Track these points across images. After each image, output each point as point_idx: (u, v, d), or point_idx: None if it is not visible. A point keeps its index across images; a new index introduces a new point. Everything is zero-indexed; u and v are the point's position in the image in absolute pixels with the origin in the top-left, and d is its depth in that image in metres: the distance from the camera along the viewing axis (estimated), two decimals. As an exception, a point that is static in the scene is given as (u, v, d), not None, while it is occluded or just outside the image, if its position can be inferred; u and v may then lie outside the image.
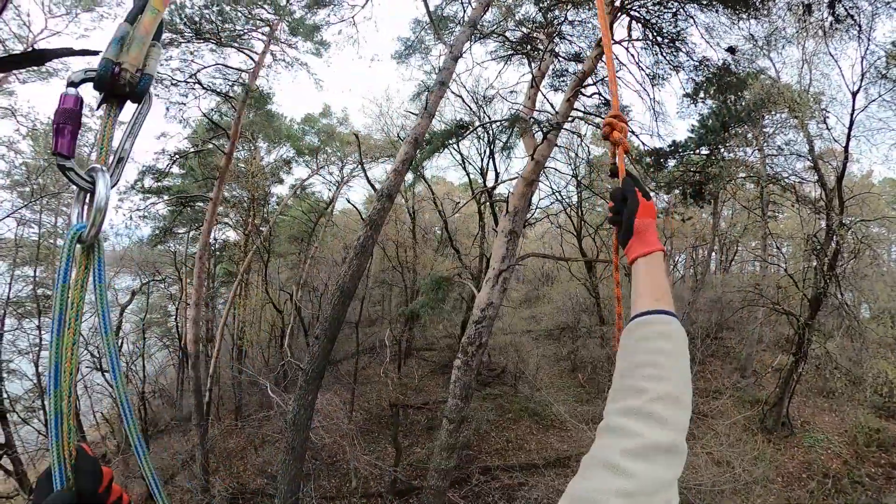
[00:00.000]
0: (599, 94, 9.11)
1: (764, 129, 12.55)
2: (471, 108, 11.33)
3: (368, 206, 16.57)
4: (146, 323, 16.89)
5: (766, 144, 12.79)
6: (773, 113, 11.29)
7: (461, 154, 13.85)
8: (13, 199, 13.29)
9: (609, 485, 0.54)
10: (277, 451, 10.45)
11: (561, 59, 9.08)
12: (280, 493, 6.27)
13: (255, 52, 11.14)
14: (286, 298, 17.96)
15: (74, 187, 0.55)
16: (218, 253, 18.20)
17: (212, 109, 12.07)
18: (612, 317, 15.17)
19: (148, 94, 0.60)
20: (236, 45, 10.49)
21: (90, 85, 0.56)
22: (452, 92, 11.04)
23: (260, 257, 16.20)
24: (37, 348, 12.02)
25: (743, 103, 7.66)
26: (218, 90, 10.92)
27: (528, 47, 8.89)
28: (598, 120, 9.98)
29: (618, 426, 0.61)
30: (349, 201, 17.44)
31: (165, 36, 9.62)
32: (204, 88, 10.48)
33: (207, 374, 11.94)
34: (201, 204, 15.28)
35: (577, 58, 8.84)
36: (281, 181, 18.22)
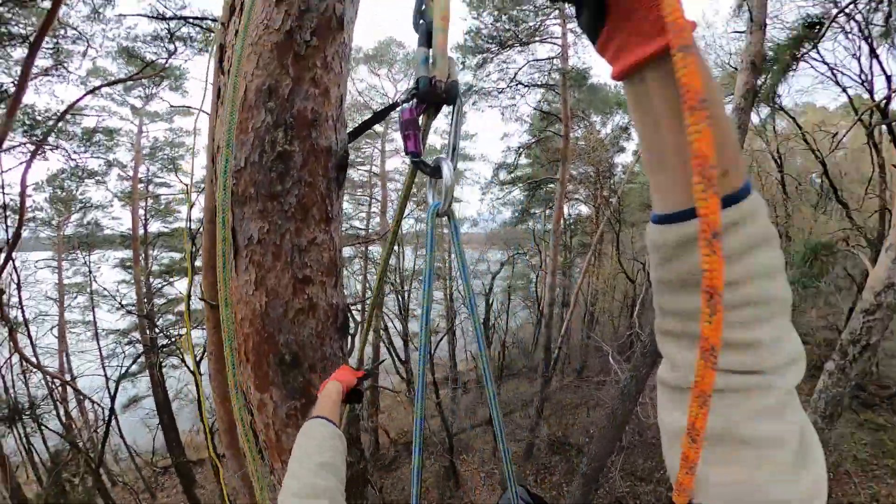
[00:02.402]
0: None
1: None
2: (819, -4, 8.24)
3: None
4: (511, 287, 20.42)
5: None
6: None
7: (826, 63, 10.12)
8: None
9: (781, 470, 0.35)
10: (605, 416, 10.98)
11: None
12: (590, 454, 6.58)
13: (557, 38, 11.79)
14: (639, 268, 17.81)
15: (427, 176, 0.71)
16: (573, 226, 19.84)
17: (539, 101, 13.50)
18: None
19: (459, 96, 0.71)
20: (538, 38, 11.41)
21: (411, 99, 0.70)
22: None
23: (611, 228, 16.69)
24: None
25: None
26: (538, 84, 12.17)
27: None
28: None
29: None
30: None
31: (479, 58, 11.57)
32: (525, 86, 11.96)
33: (559, 334, 13.60)
34: (551, 186, 17.18)
35: None
36: (622, 149, 18.25)
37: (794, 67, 8.02)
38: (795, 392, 0.38)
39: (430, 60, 0.69)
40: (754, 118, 11.30)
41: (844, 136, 9.77)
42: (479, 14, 11.26)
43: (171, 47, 7.48)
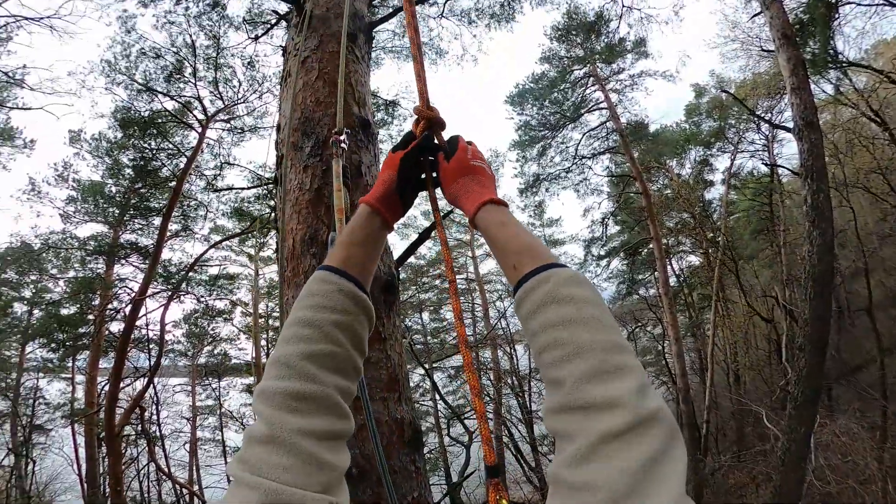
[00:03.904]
0: None
1: None
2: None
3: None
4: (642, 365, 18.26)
5: None
6: None
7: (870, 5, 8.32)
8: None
9: None
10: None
11: None
12: (761, 543, 5.53)
13: (602, 103, 12.14)
14: (772, 303, 15.55)
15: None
16: (688, 281, 18.22)
17: (605, 167, 13.52)
18: None
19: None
20: (584, 109, 11.90)
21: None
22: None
23: (727, 269, 15.20)
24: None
25: None
26: (600, 151, 12.35)
27: None
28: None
29: (555, 429, 0.46)
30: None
31: (538, 147, 12.10)
32: (589, 157, 12.16)
33: (704, 405, 11.93)
34: (651, 246, 16.20)
35: None
36: (710, 183, 17.14)
37: (836, 16, 7.24)
38: (623, 441, 0.39)
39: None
40: (826, 88, 10.08)
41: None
42: (522, 109, 12.02)
43: (272, 203, 8.91)
